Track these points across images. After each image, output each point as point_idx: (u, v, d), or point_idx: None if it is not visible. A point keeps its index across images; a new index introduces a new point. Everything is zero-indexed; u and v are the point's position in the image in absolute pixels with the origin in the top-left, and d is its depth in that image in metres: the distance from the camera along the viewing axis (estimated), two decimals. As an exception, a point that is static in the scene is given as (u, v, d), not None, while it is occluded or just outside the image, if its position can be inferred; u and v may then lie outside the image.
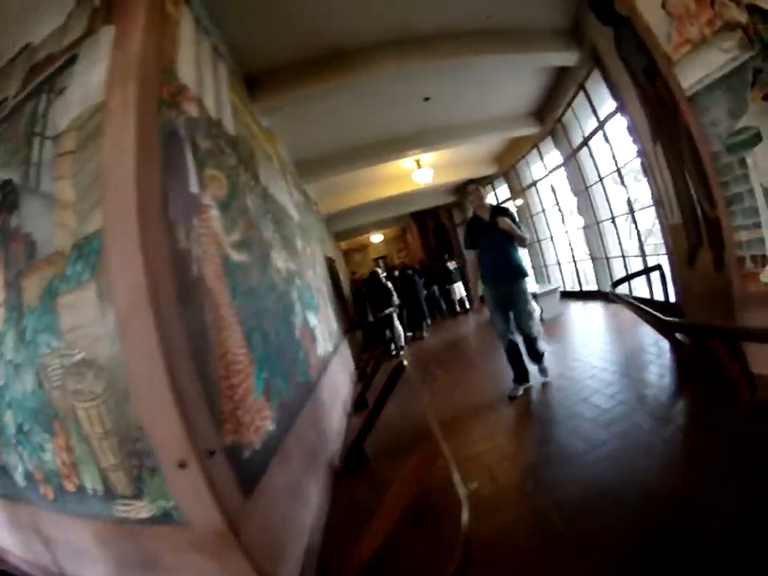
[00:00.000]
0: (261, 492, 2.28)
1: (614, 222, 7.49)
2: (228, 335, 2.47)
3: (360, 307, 11.40)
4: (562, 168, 8.81)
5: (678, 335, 3.94)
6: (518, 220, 4.41)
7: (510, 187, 11.72)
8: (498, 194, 12.74)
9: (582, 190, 8.17)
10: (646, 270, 5.47)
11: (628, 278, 5.35)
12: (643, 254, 6.53)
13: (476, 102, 7.70)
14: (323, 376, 4.84)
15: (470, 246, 4.49)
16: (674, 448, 2.70)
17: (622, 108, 5.32)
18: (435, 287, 13.27)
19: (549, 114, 8.25)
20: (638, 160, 5.49)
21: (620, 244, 7.55)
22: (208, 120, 3.07)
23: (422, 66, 5.40)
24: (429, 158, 9.94)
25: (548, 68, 6.84)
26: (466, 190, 4.37)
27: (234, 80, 4.26)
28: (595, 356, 4.96)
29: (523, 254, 4.47)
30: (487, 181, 12.54)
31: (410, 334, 10.86)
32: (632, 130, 5.17)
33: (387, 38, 5.09)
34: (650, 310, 3.40)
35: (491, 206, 4.54)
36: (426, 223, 17.03)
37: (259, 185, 4.21)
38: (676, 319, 3.15)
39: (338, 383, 5.84)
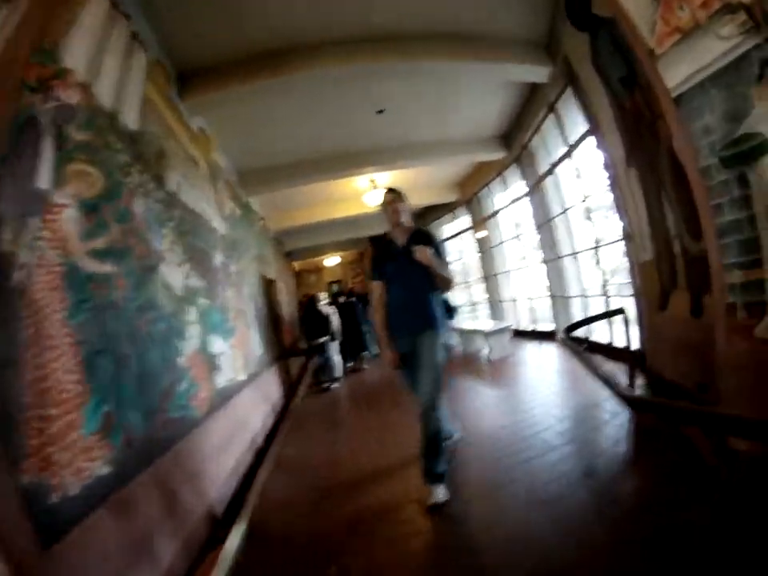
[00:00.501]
0: (72, 545, 1.93)
1: (576, 257, 6.90)
2: (53, 357, 2.08)
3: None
4: (527, 198, 8.25)
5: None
6: (443, 253, 3.20)
7: (473, 217, 11.16)
8: (460, 223, 12.18)
9: (545, 222, 7.62)
10: (608, 314, 4.83)
11: (586, 321, 4.69)
12: (606, 295, 5.92)
13: (437, 120, 7.19)
14: (221, 409, 4.18)
15: (375, 277, 3.27)
16: (615, 538, 2.15)
17: (593, 129, 4.78)
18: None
19: (516, 138, 7.74)
20: (608, 190, 4.93)
21: (581, 282, 6.97)
22: (95, 110, 2.83)
23: (369, 67, 4.91)
24: (385, 178, 9.33)
25: (517, 85, 6.37)
26: (383, 199, 3.34)
27: (156, 73, 4.04)
28: (541, 408, 4.29)
29: (448, 297, 3.41)
30: (448, 209, 12.00)
31: (350, 364, 10.17)
32: (604, 153, 4.62)
33: (337, 36, 4.66)
34: (606, 376, 2.71)
35: (412, 227, 3.31)
36: (385, 248, 16.33)
37: (162, 189, 3.77)
38: (638, 394, 2.49)
39: (248, 417, 5.07)
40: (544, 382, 5.30)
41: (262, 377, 6.39)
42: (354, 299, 11.06)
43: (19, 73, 2.20)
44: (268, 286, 9.08)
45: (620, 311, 4.32)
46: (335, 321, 9.38)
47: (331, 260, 18.70)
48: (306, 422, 6.22)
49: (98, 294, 2.48)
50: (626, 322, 4.21)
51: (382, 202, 3.30)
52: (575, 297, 7.17)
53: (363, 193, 9.54)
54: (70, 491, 2.01)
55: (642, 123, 3.43)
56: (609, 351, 5.27)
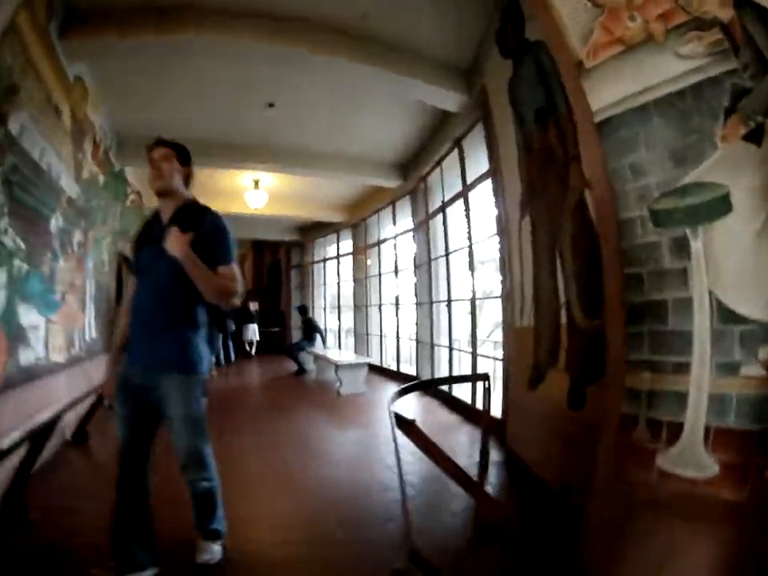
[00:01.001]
0: None
1: (450, 306, 6.37)
2: None
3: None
4: (412, 234, 7.69)
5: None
6: (223, 248, 2.08)
7: (355, 242, 10.48)
8: (341, 247, 11.45)
9: (425, 262, 7.08)
10: (469, 378, 4.23)
11: (445, 381, 4.04)
12: (474, 353, 5.36)
13: (333, 131, 6.55)
14: (18, 389, 3.56)
15: (131, 266, 2.26)
16: None
17: (493, 171, 4.25)
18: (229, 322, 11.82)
19: (414, 169, 7.20)
20: (496, 240, 4.42)
21: (452, 333, 6.43)
22: None
23: (261, 48, 4.31)
24: (270, 181, 8.49)
25: (424, 112, 5.83)
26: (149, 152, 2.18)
27: (38, 1, 3.61)
28: (375, 474, 3.50)
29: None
30: (333, 228, 11.23)
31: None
32: (498, 198, 4.10)
33: (233, 4, 4.10)
34: (451, 463, 1.98)
35: (187, 198, 2.25)
36: (264, 257, 15.31)
37: None
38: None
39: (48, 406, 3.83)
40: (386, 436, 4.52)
41: (92, 362, 5.74)
42: None
43: None
44: (124, 267, 7.90)
45: (484, 377, 3.69)
46: None
47: None
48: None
49: None
50: (488, 389, 3.60)
51: (147, 155, 2.16)
52: (443, 347, 6.62)
53: (245, 191, 8.65)
54: None
55: (550, 166, 2.87)
56: (469, 411, 4.71)
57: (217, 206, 7.76)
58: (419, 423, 2.21)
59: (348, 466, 3.87)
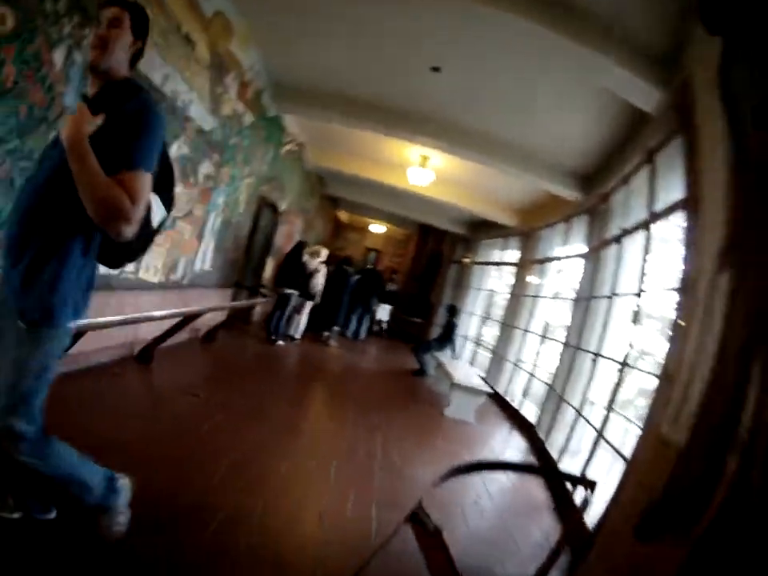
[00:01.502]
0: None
1: (596, 361, 5.06)
2: None
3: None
4: (582, 260, 6.40)
5: None
6: (146, 146, 1.44)
7: (522, 253, 9.31)
8: (506, 254, 10.35)
9: (584, 298, 5.80)
10: (568, 477, 3.08)
11: (530, 469, 2.96)
12: (601, 434, 4.05)
13: (506, 111, 5.60)
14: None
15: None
16: None
17: (690, 199, 3.00)
18: (375, 300, 11.77)
19: (596, 185, 5.92)
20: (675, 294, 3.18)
21: (588, 390, 5.12)
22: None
23: None
24: (438, 161, 7.76)
25: (611, 110, 4.63)
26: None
27: None
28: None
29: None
30: (503, 232, 10.16)
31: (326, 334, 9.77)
32: (689, 235, 2.88)
33: None
34: None
35: (124, 77, 1.55)
36: (427, 243, 14.85)
37: None
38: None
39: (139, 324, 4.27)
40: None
41: (195, 291, 5.92)
42: (350, 269, 10.47)
43: None
44: (267, 212, 8.46)
45: (588, 482, 2.56)
46: (318, 280, 8.57)
47: (377, 227, 17.47)
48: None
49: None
50: (586, 502, 2.50)
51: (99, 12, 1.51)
52: (570, 405, 5.34)
53: (410, 165, 8.04)
54: None
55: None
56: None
57: (386, 176, 7.45)
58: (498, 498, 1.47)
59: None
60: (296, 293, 7.91)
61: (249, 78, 5.81)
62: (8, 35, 2.58)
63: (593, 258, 5.88)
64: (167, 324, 4.66)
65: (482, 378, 7.08)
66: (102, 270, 3.19)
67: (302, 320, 8.60)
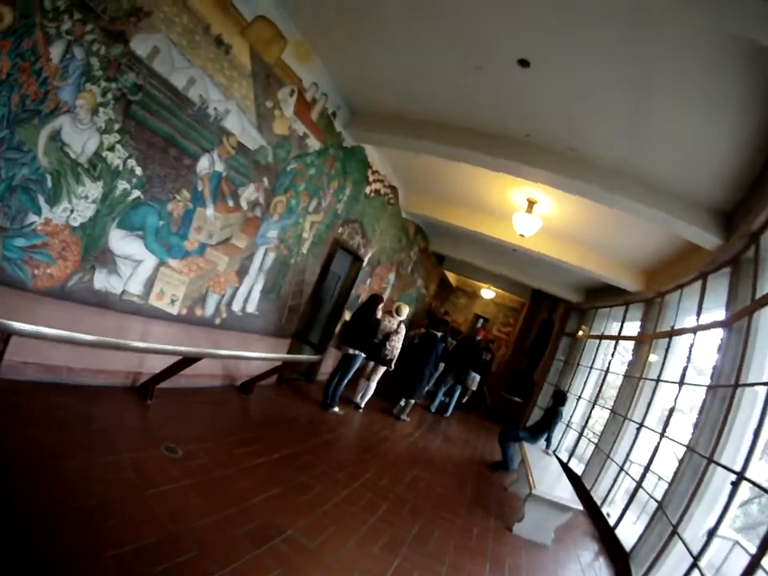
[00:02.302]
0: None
1: (737, 484, 3.22)
2: None
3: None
4: (721, 331, 4.55)
5: None
6: None
7: (643, 323, 7.39)
8: (625, 326, 8.37)
9: (726, 383, 4.00)
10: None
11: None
12: None
13: (619, 125, 4.16)
14: (86, 307, 3.75)
15: None
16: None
17: None
18: (471, 372, 10.10)
19: (741, 221, 4.16)
20: None
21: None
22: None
23: None
24: (546, 207, 6.54)
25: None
26: None
27: None
28: None
29: None
30: (622, 299, 8.24)
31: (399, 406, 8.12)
32: None
33: None
34: None
35: None
36: (539, 311, 13.13)
37: (118, 47, 3.34)
38: None
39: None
40: None
41: (224, 334, 5.21)
42: (439, 334, 8.54)
43: None
44: (344, 259, 7.73)
45: None
46: (395, 344, 7.08)
47: (487, 292, 16.28)
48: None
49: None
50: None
51: None
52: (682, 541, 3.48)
53: (515, 211, 6.76)
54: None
55: None
56: None
57: (491, 228, 6.44)
58: None
59: None
60: (362, 354, 6.69)
61: (313, 96, 5.24)
62: (4, 31, 2.71)
63: (737, 327, 4.07)
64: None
65: (573, 486, 5.19)
66: (99, 285, 3.74)
67: (371, 386, 7.25)
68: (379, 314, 6.80)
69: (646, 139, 4.13)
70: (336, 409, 6.52)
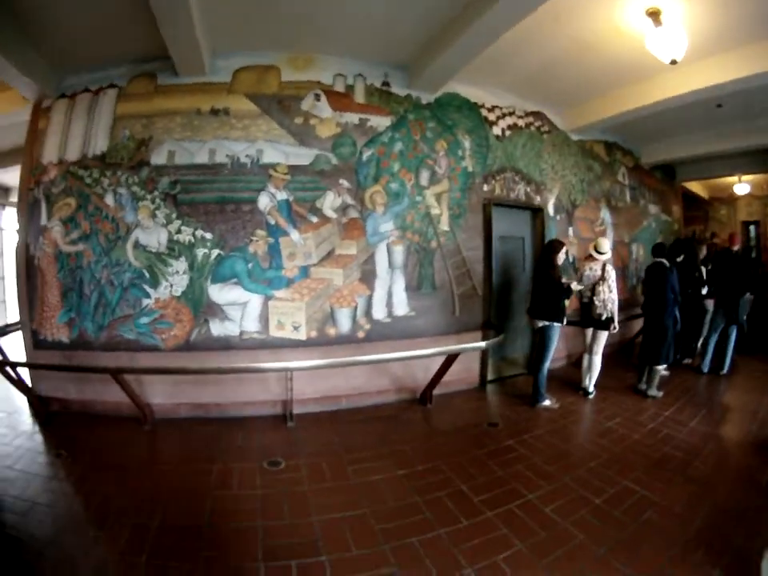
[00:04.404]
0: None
1: None
2: (49, 290, 4.86)
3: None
4: None
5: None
6: None
7: None
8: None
9: None
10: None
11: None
12: None
13: None
14: (213, 351, 4.73)
15: None
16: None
17: None
18: (744, 301, 6.51)
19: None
20: None
21: None
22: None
23: None
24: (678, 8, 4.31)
25: None
26: None
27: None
28: None
29: None
30: None
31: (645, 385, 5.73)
32: None
33: None
34: None
35: None
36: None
37: (143, 171, 4.82)
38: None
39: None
40: None
41: (381, 345, 5.01)
42: (678, 260, 6.19)
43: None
44: (516, 218, 6.51)
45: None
46: (605, 295, 5.31)
47: (740, 187, 12.01)
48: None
49: (73, 262, 4.73)
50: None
51: None
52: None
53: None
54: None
55: None
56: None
57: (652, 92, 5.75)
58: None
59: None
60: (555, 324, 5.09)
61: (345, 84, 5.13)
62: (72, 214, 4.82)
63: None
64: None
65: None
66: (217, 332, 4.69)
67: (594, 361, 5.48)
68: (560, 261, 5.15)
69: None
70: (546, 402, 5.19)
